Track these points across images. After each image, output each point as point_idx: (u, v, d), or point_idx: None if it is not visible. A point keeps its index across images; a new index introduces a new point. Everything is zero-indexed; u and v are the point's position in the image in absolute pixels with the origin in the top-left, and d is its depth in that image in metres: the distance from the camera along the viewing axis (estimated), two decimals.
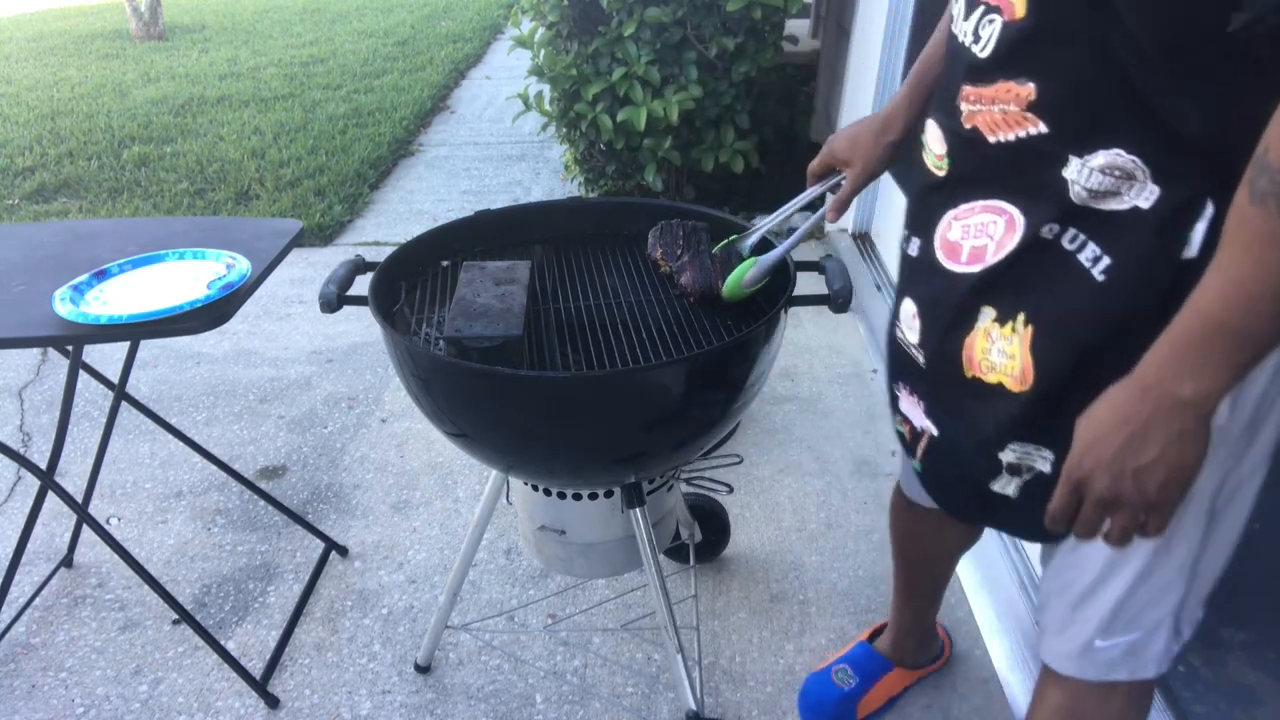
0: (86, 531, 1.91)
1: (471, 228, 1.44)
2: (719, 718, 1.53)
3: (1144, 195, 0.73)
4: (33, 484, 2.11)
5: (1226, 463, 0.83)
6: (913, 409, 1.01)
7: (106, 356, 2.53)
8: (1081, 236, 0.77)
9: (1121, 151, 0.72)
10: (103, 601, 1.81)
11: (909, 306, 0.96)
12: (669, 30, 3.02)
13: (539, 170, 4.49)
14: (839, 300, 1.14)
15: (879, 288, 2.96)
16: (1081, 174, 0.75)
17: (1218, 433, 0.72)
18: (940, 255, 0.89)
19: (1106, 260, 0.76)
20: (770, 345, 1.16)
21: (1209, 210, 0.71)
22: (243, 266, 1.37)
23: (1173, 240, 0.72)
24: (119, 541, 1.52)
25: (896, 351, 1.03)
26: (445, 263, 1.40)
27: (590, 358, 1.18)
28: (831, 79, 3.66)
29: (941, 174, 0.89)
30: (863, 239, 3.35)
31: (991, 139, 0.81)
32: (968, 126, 0.84)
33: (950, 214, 0.87)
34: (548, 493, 1.33)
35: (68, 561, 1.89)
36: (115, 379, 1.71)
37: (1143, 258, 0.74)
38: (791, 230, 1.28)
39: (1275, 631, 1.50)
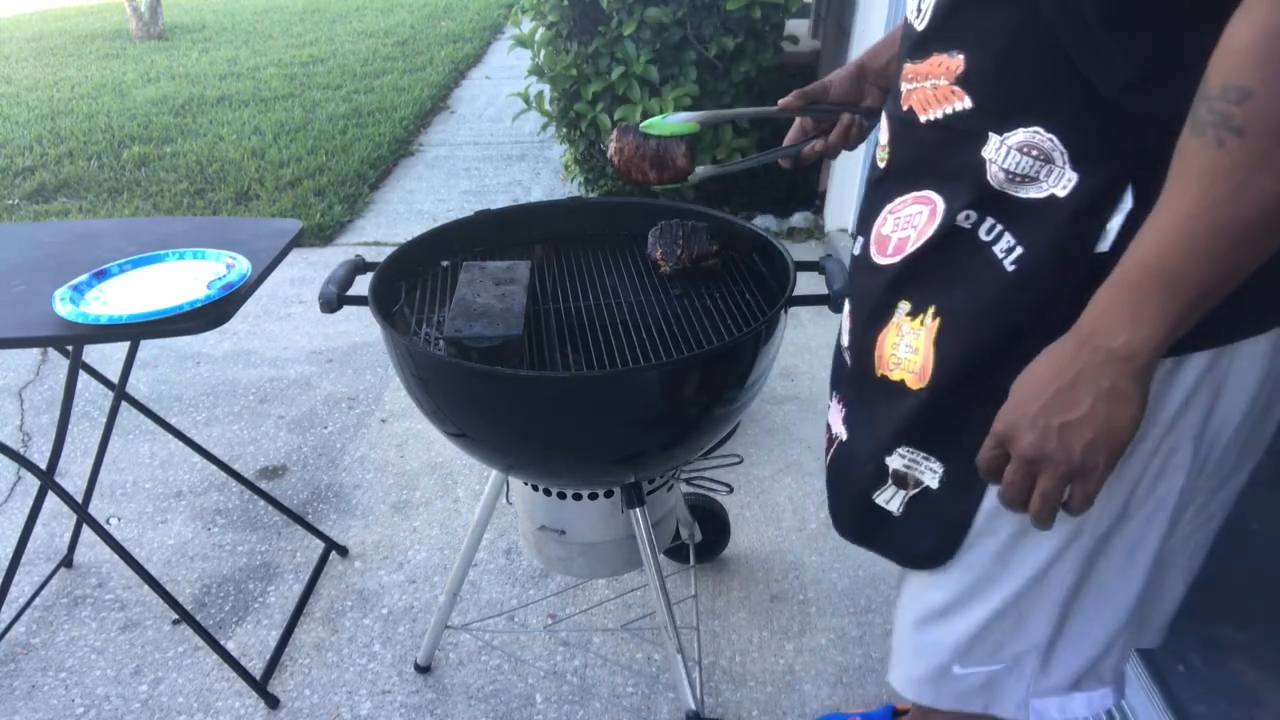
0: (86, 531, 1.91)
1: (471, 228, 1.44)
2: (719, 718, 1.53)
3: (1061, 182, 0.69)
4: (33, 484, 2.11)
5: (1118, 494, 0.78)
6: (834, 416, 0.96)
7: (106, 356, 2.53)
8: (999, 227, 0.74)
9: (1040, 129, 0.69)
10: (103, 601, 1.81)
11: (846, 308, 0.93)
12: (669, 30, 3.02)
13: (539, 170, 4.49)
14: (839, 300, 1.14)
15: None
16: (1000, 153, 0.71)
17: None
18: (873, 250, 0.85)
19: (1019, 250, 0.72)
20: (770, 345, 1.16)
21: (1128, 203, 0.68)
22: (243, 266, 1.37)
23: (1087, 231, 0.69)
24: (119, 541, 1.52)
25: (836, 360, 0.99)
26: (445, 263, 1.40)
27: (590, 358, 1.18)
28: None
29: (883, 166, 0.85)
30: None
31: (923, 118, 0.78)
32: (904, 108, 0.80)
33: (886, 208, 0.84)
34: (548, 493, 1.33)
35: (68, 561, 1.89)
36: (115, 379, 1.71)
37: (1055, 248, 0.71)
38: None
39: (1275, 631, 1.50)
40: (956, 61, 0.73)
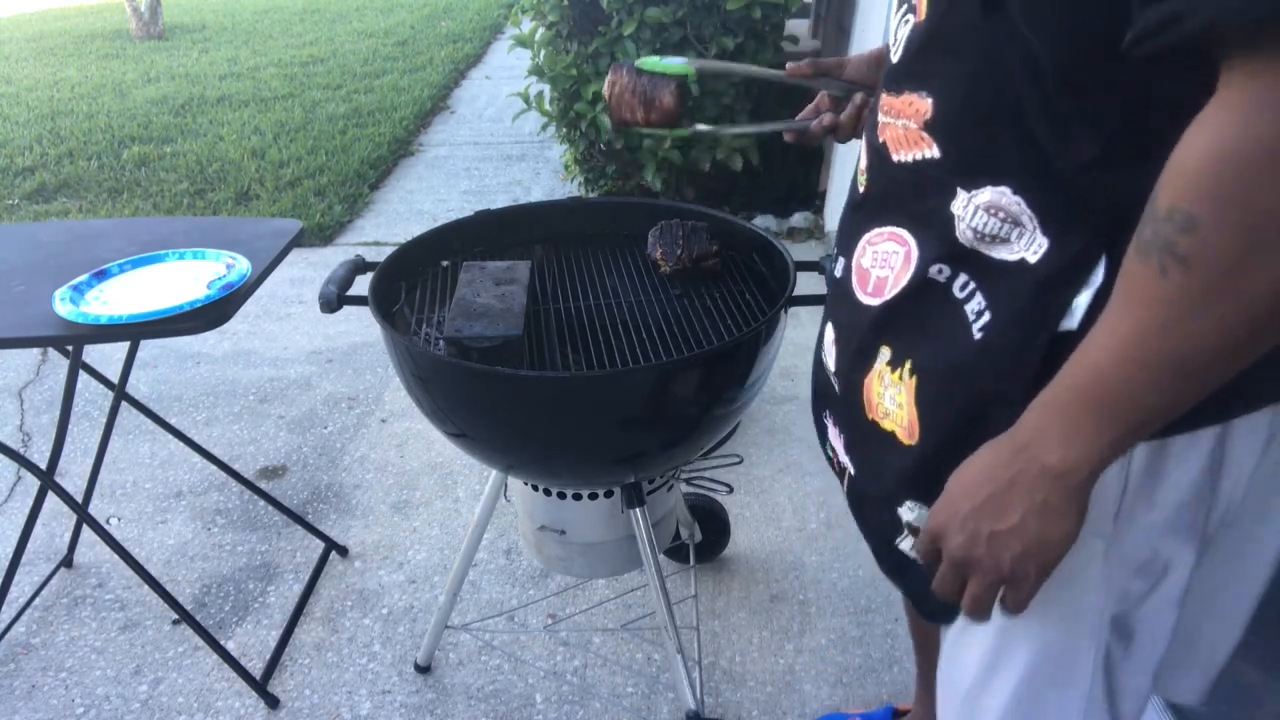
0: (86, 531, 1.91)
1: (471, 228, 1.44)
2: (719, 718, 1.53)
3: (1033, 247, 0.64)
4: (33, 484, 2.11)
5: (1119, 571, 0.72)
6: (837, 441, 0.91)
7: (106, 356, 2.53)
8: (971, 284, 0.69)
9: (1008, 191, 0.64)
10: (103, 601, 1.81)
11: (829, 331, 0.88)
12: (669, 30, 3.02)
13: (539, 170, 4.49)
14: None
15: None
16: (967, 211, 0.67)
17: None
18: (854, 281, 0.80)
19: (987, 316, 0.67)
20: (770, 345, 1.16)
21: (1099, 277, 0.62)
22: (243, 266, 1.37)
23: (1053, 305, 0.64)
24: (119, 541, 1.52)
25: (820, 377, 0.93)
26: (445, 263, 1.40)
27: (590, 358, 1.18)
28: None
29: (862, 192, 0.81)
30: None
31: (894, 157, 0.73)
32: (880, 140, 0.76)
33: (866, 237, 0.79)
34: (548, 493, 1.33)
35: (68, 561, 1.89)
36: (115, 379, 1.71)
37: (1020, 321, 0.65)
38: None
39: (1275, 631, 1.50)
40: (926, 105, 0.68)
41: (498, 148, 4.89)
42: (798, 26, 3.69)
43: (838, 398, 0.87)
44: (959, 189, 0.67)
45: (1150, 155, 0.55)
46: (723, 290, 1.33)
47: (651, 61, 1.09)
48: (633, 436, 1.13)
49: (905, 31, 0.70)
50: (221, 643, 1.60)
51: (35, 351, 2.74)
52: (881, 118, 0.75)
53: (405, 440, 2.31)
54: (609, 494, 1.32)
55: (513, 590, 1.82)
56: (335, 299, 1.18)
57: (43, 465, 1.51)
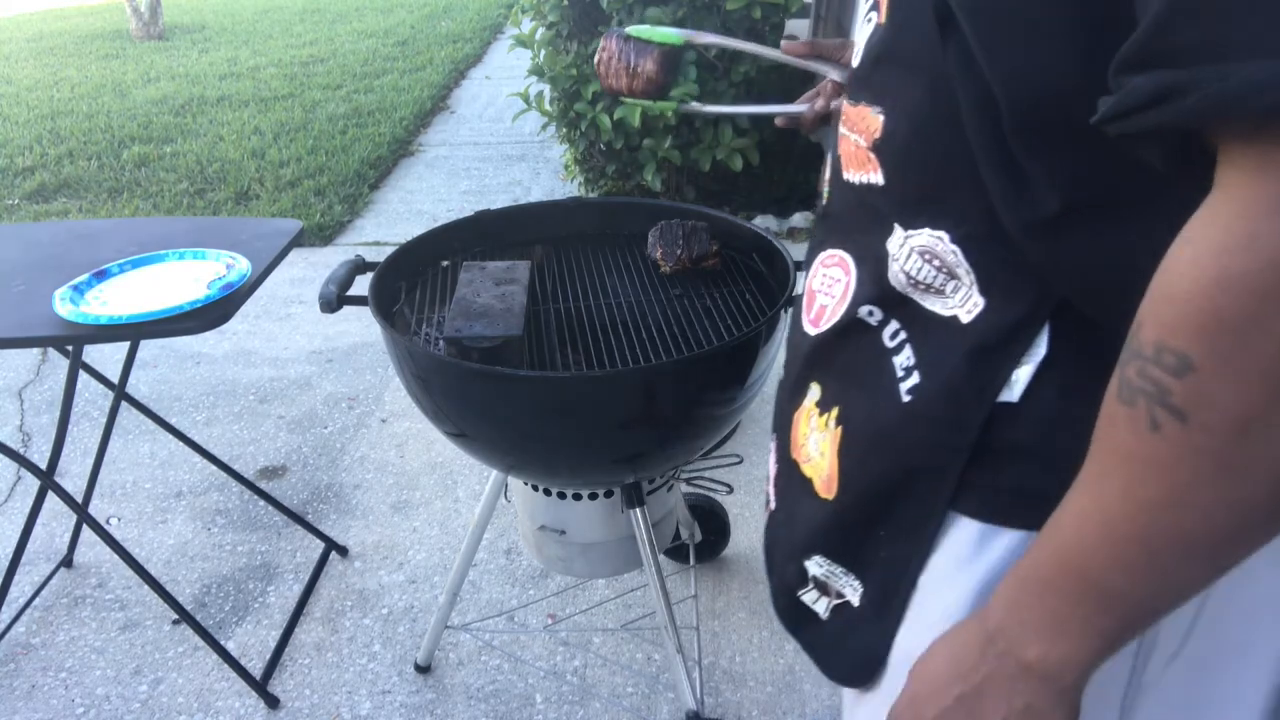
0: (86, 531, 1.91)
1: (471, 228, 1.44)
2: (719, 718, 1.53)
3: (967, 305, 0.55)
4: (33, 484, 2.11)
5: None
6: (771, 468, 0.81)
7: (106, 356, 2.53)
8: (902, 335, 0.59)
9: (945, 237, 0.55)
10: (103, 601, 1.81)
11: (782, 351, 0.79)
12: None
13: (539, 170, 4.49)
14: None
15: None
16: (901, 251, 0.58)
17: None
18: (804, 302, 0.71)
19: (917, 378, 0.58)
20: (770, 345, 1.16)
21: (1041, 350, 0.53)
22: (243, 266, 1.37)
23: (988, 377, 0.54)
24: (119, 541, 1.52)
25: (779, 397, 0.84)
26: (445, 263, 1.41)
27: (590, 358, 1.18)
28: None
29: (824, 203, 0.72)
30: None
31: (845, 175, 0.64)
32: (838, 152, 0.67)
33: (820, 256, 0.70)
34: (548, 493, 1.33)
35: (68, 561, 1.89)
36: (115, 379, 1.71)
37: (951, 391, 0.56)
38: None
39: None
40: (876, 123, 0.59)
41: (498, 148, 4.89)
42: (798, 26, 3.68)
43: (775, 424, 0.77)
44: (896, 225, 0.58)
45: (1121, 221, 0.48)
46: (723, 290, 1.33)
47: (643, 30, 1.07)
48: (632, 436, 1.13)
49: (867, 32, 0.61)
50: (221, 643, 1.60)
51: (35, 351, 2.74)
52: (842, 128, 0.66)
53: (405, 440, 2.31)
54: (609, 494, 1.32)
55: (513, 590, 1.82)
56: (335, 299, 1.18)
57: (43, 465, 1.51)
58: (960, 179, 0.53)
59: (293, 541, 1.96)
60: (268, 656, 1.66)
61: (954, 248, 0.55)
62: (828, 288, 0.67)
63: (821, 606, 0.70)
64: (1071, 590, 0.46)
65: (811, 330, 0.67)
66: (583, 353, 1.20)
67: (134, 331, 1.24)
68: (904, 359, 0.59)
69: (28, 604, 1.79)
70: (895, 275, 0.59)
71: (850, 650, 0.69)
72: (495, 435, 1.15)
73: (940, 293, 0.57)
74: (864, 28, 0.62)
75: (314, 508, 2.08)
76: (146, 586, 1.55)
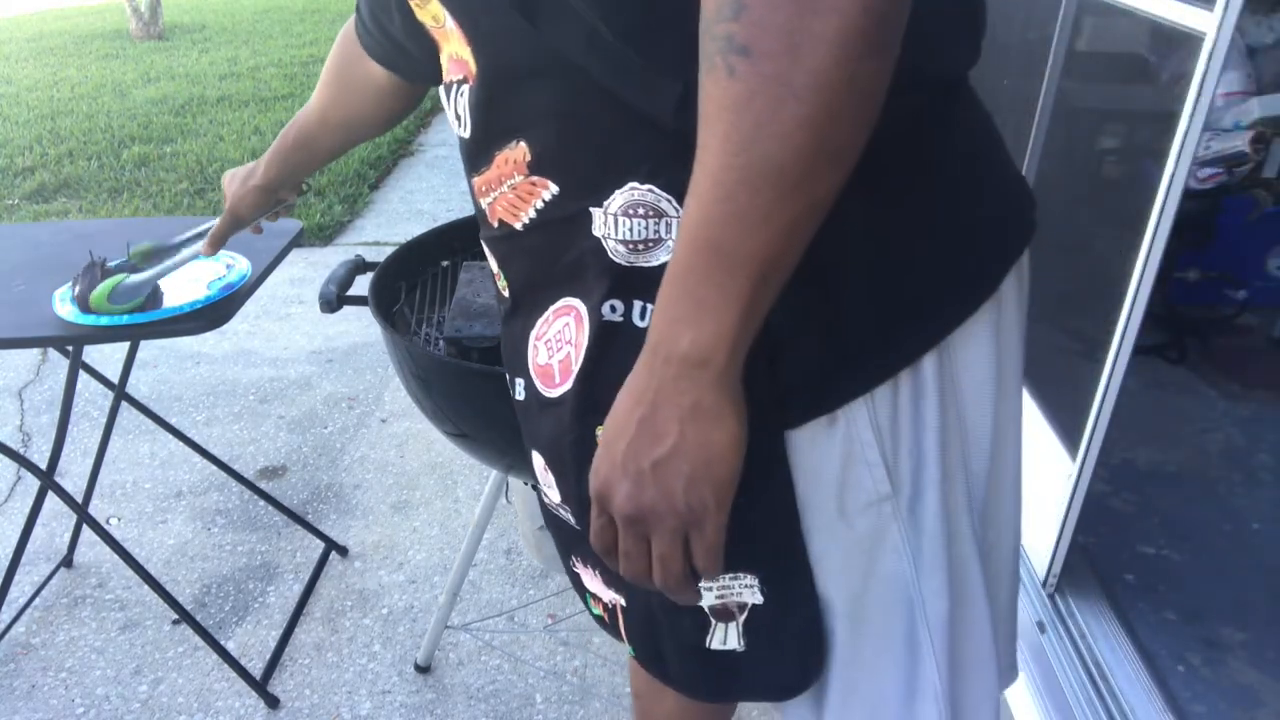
0: (86, 531, 1.91)
1: (471, 228, 1.44)
2: None
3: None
4: (33, 484, 2.11)
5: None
6: (594, 582, 0.78)
7: (106, 356, 2.53)
8: (648, 307, 0.60)
9: (636, 184, 0.58)
10: (103, 601, 1.81)
11: (538, 460, 0.74)
12: None
13: None
14: None
15: None
16: (608, 225, 0.60)
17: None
18: (540, 386, 0.69)
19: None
20: None
21: None
22: (243, 267, 1.37)
23: None
24: (119, 541, 1.52)
25: (553, 520, 0.80)
26: (445, 263, 1.41)
27: None
28: None
29: (508, 296, 0.73)
30: None
31: (519, 225, 0.66)
32: (496, 225, 0.69)
33: (531, 338, 0.69)
34: None
35: (68, 561, 1.89)
36: (115, 379, 1.71)
37: None
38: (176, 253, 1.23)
39: (1275, 631, 1.50)
40: (520, 150, 0.63)
41: None
42: None
43: (576, 530, 0.73)
44: (591, 209, 0.60)
45: None
46: None
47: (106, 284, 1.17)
48: None
49: (465, 99, 0.65)
50: (221, 643, 1.60)
51: (35, 351, 2.74)
52: (483, 202, 0.69)
53: (405, 440, 2.32)
54: None
55: (513, 590, 1.82)
56: (335, 299, 1.18)
57: (43, 465, 1.51)
58: (614, 128, 0.58)
59: (293, 541, 1.96)
60: (268, 656, 1.66)
61: (648, 187, 0.58)
62: (558, 342, 0.67)
63: (734, 637, 0.69)
64: (704, 265, 0.48)
65: (565, 388, 0.66)
66: None
67: (134, 332, 1.24)
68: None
69: (28, 604, 1.79)
70: (614, 250, 0.61)
71: (788, 648, 0.69)
72: (495, 435, 1.15)
73: (658, 240, 0.59)
74: (459, 100, 0.66)
75: (314, 508, 2.08)
76: (146, 586, 1.55)
